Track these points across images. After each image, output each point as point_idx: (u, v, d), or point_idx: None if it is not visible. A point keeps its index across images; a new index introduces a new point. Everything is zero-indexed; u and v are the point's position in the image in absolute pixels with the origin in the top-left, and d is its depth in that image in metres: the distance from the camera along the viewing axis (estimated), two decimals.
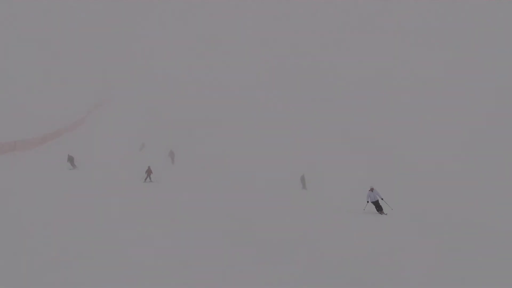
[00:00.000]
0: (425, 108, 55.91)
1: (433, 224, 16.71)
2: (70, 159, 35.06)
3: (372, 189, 22.21)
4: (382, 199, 21.88)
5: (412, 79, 67.79)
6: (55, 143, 47.45)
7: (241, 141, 49.53)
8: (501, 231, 15.27)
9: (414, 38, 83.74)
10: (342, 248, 10.71)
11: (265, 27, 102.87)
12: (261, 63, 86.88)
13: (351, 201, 25.70)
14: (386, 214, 21.56)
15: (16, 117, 48.60)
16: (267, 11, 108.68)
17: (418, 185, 32.36)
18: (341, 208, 23.45)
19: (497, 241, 13.13)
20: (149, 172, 31.24)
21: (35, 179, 26.54)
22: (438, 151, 43.03)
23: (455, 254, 10.68)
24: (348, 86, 70.14)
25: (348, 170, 38.84)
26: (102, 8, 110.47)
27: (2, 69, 67.72)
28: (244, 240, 11.37)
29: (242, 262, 8.92)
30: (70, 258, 9.90)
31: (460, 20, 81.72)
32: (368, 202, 22.22)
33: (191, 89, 77.08)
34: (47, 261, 9.71)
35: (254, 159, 41.66)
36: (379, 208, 21.93)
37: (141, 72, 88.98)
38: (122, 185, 27.21)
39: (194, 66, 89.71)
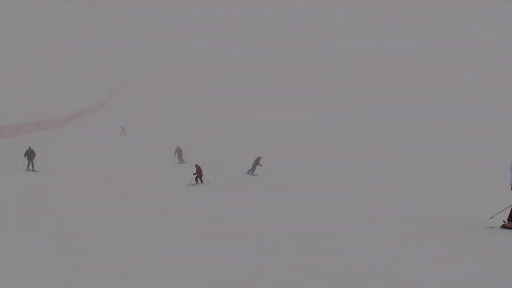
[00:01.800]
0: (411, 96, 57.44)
1: (429, 211, 15.70)
2: None
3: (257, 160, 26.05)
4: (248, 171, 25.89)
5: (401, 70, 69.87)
6: (78, 122, 53.54)
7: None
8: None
9: (406, 30, 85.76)
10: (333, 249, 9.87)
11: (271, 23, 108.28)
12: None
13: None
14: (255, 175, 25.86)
15: (41, 101, 54.81)
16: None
17: (407, 169, 33.28)
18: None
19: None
20: None
21: None
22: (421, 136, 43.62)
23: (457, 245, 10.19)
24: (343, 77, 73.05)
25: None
26: None
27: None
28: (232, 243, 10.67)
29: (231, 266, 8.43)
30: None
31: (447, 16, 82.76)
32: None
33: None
34: None
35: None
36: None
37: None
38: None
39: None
